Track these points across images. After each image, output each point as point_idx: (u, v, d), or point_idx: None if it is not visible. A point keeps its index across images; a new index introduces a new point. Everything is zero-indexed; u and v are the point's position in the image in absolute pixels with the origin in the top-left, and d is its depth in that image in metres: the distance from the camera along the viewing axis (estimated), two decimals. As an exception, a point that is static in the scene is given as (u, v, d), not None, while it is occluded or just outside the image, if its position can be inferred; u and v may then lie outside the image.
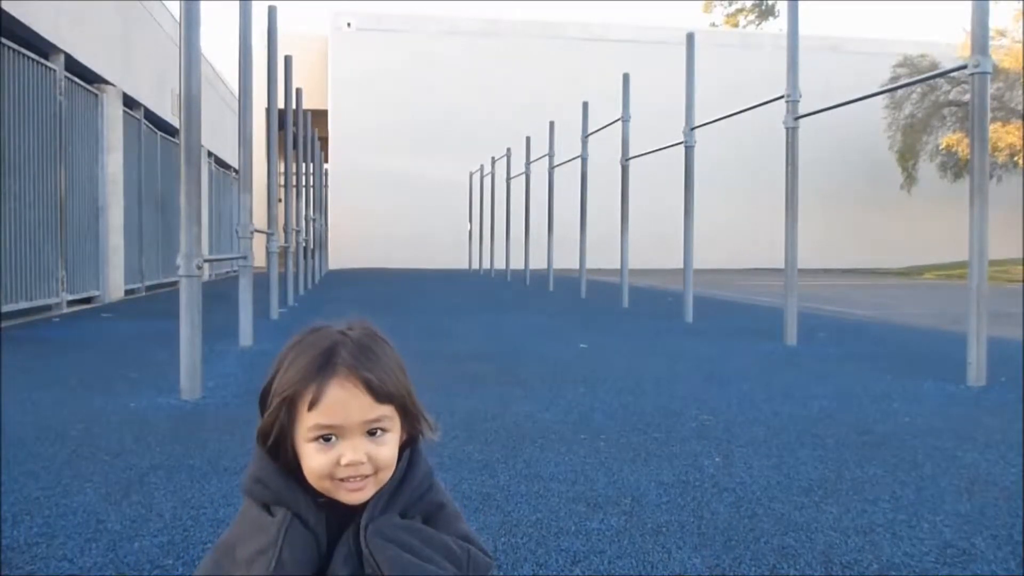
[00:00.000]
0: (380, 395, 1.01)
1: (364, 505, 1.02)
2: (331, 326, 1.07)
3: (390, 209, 24.61)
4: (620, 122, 9.34)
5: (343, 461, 0.99)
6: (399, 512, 1.04)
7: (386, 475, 1.03)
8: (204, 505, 2.05)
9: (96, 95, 9.30)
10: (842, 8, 58.79)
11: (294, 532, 0.99)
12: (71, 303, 8.33)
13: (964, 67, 4.00)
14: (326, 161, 22.61)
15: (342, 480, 1.00)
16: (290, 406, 1.00)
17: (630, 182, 9.52)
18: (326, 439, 1.00)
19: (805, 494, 2.18)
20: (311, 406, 0.99)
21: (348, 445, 1.00)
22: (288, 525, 0.99)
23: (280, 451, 1.03)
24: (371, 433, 1.01)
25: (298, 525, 1.00)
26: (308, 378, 1.00)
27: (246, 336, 5.42)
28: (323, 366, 1.00)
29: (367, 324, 1.08)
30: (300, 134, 11.37)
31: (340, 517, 1.03)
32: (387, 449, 1.03)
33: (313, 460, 1.00)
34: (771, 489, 2.22)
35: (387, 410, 1.02)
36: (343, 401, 0.99)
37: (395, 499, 1.04)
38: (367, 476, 1.01)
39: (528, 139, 14.36)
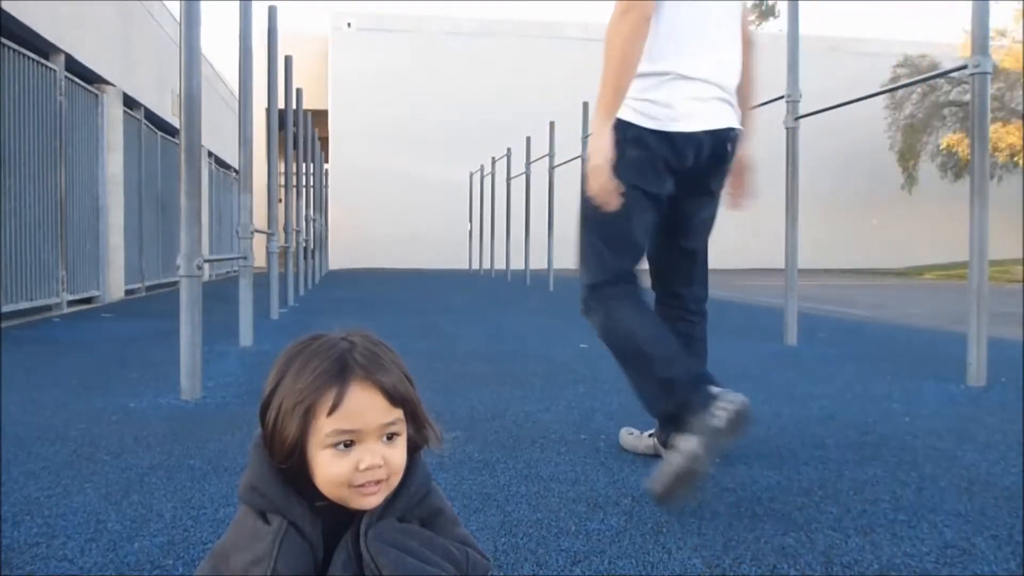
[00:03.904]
0: (395, 398, 1.01)
1: (361, 510, 1.01)
2: (331, 333, 1.06)
3: (390, 209, 24.61)
4: (620, 122, 9.33)
5: (362, 466, 0.98)
6: (397, 516, 1.04)
7: (396, 479, 1.03)
8: (204, 505, 2.05)
9: (96, 95, 9.30)
10: (842, 8, 58.77)
11: (289, 541, 0.99)
12: (71, 303, 8.33)
13: (964, 67, 4.00)
14: (326, 161, 22.61)
15: (359, 486, 0.99)
16: (306, 413, 0.99)
17: (630, 182, 9.51)
18: (346, 445, 0.99)
19: (805, 494, 2.18)
20: (331, 411, 0.98)
21: (366, 449, 0.99)
22: (283, 534, 0.99)
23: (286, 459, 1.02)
24: (386, 437, 1.01)
25: (293, 534, 1.00)
26: (327, 384, 0.99)
27: (246, 336, 5.43)
28: (340, 371, 0.99)
29: (366, 331, 1.07)
30: (300, 134, 11.37)
31: (336, 523, 1.03)
32: (400, 453, 1.03)
33: (331, 468, 0.99)
34: (771, 489, 2.22)
35: (399, 414, 1.02)
36: (364, 405, 0.99)
37: (394, 503, 1.04)
38: (381, 481, 1.00)
39: (528, 139, 14.36)
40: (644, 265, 2.45)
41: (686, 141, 2.30)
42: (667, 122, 2.28)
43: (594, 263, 2.36)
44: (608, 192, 2.19)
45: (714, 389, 2.05)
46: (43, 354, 5.00)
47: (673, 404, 2.12)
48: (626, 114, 2.30)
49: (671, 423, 2.17)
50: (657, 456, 2.49)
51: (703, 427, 1.96)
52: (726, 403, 2.00)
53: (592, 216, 2.32)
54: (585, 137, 10.68)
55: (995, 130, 21.83)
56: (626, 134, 2.28)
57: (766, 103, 6.20)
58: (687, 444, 1.96)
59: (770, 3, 35.20)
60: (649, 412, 2.40)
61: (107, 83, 9.54)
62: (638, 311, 2.30)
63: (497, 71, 25.31)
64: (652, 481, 2.06)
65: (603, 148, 2.18)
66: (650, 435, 2.59)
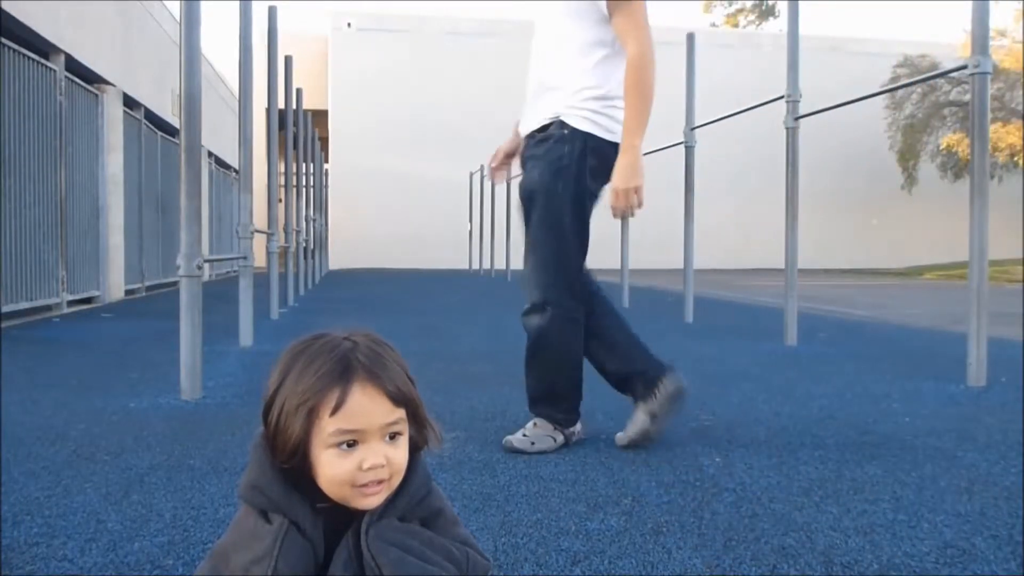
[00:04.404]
0: (397, 399, 1.01)
1: (362, 510, 1.02)
2: (333, 333, 1.06)
3: (390, 209, 24.60)
4: (620, 122, 9.31)
5: (365, 465, 0.99)
6: (397, 516, 1.04)
7: (398, 479, 1.03)
8: (204, 505, 2.05)
9: (96, 95, 9.30)
10: (842, 8, 58.80)
11: (290, 541, 0.99)
12: (71, 303, 8.33)
13: (964, 67, 4.00)
14: (326, 161, 22.61)
15: (362, 486, 1.00)
16: (309, 413, 0.99)
17: (630, 182, 9.48)
18: (349, 445, 0.99)
19: (805, 494, 2.18)
20: (334, 412, 0.98)
21: (368, 449, 0.99)
22: (284, 534, 0.99)
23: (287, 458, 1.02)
24: (388, 437, 1.01)
25: (294, 533, 1.00)
26: (330, 384, 0.99)
27: (246, 336, 5.43)
28: (344, 371, 1.00)
29: (369, 331, 1.07)
30: (300, 134, 11.37)
31: (336, 523, 1.03)
32: (402, 452, 1.03)
33: (334, 467, 0.99)
34: (771, 489, 2.22)
35: (402, 414, 1.02)
36: (366, 406, 0.99)
37: (394, 503, 1.04)
38: (383, 480, 1.01)
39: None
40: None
41: (615, 150, 2.68)
42: (617, 135, 2.68)
43: (562, 271, 2.70)
44: (635, 206, 2.62)
45: (571, 430, 2.76)
46: (43, 354, 5.00)
47: (552, 409, 2.73)
48: (585, 125, 2.66)
49: (541, 406, 2.75)
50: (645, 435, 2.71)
51: (554, 439, 2.69)
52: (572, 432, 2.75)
53: (569, 227, 2.68)
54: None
55: (995, 130, 21.83)
56: (587, 143, 2.66)
57: (766, 103, 6.23)
58: (545, 444, 2.65)
59: (770, 3, 35.26)
60: (529, 393, 2.78)
61: (107, 83, 9.54)
62: (580, 335, 2.75)
63: (497, 71, 25.25)
64: (513, 439, 2.66)
65: (642, 167, 2.62)
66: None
